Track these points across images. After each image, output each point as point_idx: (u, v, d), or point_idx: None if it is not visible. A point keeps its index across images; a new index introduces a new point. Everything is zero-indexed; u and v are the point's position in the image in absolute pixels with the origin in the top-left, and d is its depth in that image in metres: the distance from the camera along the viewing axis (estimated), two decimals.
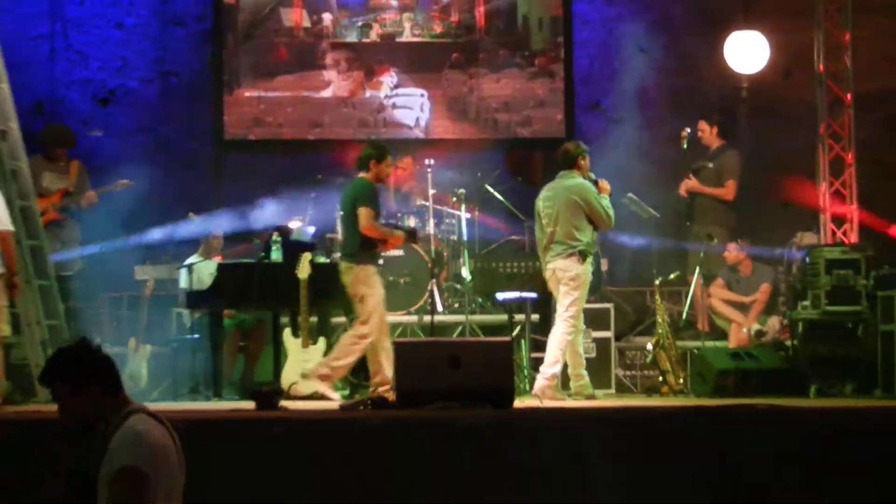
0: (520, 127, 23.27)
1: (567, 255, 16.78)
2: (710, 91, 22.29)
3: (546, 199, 17.07)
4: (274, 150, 22.60)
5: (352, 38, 23.45)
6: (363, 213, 16.45)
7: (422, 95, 23.29)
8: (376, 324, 16.51)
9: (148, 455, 8.17)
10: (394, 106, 23.27)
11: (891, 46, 22.71)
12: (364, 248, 16.63)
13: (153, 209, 20.55)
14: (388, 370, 16.39)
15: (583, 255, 16.81)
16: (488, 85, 23.50)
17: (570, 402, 16.78)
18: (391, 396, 15.61)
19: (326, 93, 23.15)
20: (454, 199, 19.93)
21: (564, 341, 16.84)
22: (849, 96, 21.31)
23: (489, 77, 23.52)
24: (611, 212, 16.95)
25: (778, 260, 19.81)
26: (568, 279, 16.78)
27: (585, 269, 16.86)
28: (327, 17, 23.19)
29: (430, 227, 19.53)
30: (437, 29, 23.55)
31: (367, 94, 23.33)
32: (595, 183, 17.01)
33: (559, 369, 16.86)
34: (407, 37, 23.55)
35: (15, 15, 21.01)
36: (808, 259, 19.02)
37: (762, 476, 13.23)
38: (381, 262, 17.02)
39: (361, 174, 16.84)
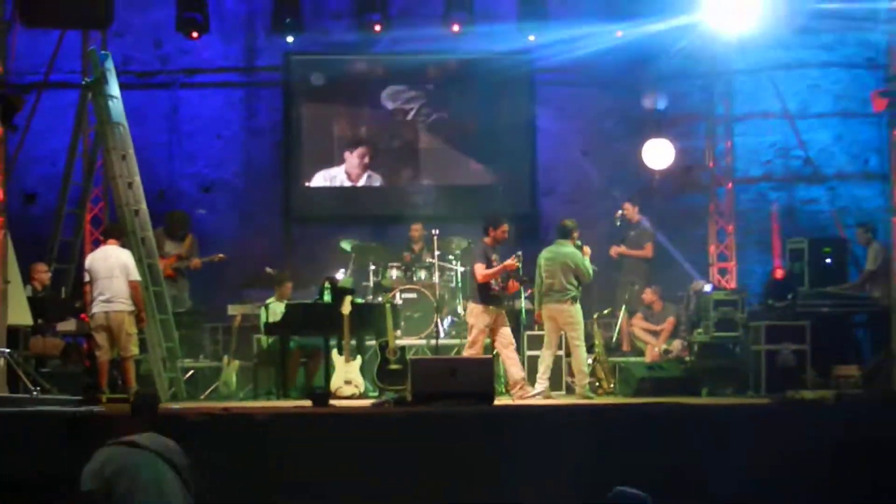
0: None
1: (564, 301, 17.28)
2: (632, 181, 22.28)
3: (547, 259, 17.58)
4: (323, 224, 22.67)
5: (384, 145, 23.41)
6: (476, 267, 17.11)
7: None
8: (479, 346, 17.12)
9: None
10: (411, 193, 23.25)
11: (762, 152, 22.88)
12: (479, 291, 17.11)
13: (242, 264, 20.77)
14: (515, 373, 17.12)
15: (574, 300, 17.35)
16: None
17: (536, 400, 17.13)
18: (523, 394, 16.79)
19: (360, 182, 23.14)
20: (452, 258, 20.15)
21: (585, 358, 17.49)
22: (729, 185, 21.65)
23: None
24: (590, 270, 17.49)
25: (679, 299, 20.07)
26: (568, 318, 17.31)
27: (578, 309, 17.43)
28: (363, 130, 23.40)
29: (436, 278, 19.70)
30: None
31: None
32: (580, 248, 17.52)
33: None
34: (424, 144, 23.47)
35: (144, 128, 21.07)
36: (701, 299, 19.42)
37: (671, 450, 13.61)
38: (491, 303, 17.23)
39: (484, 238, 17.37)
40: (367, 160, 23.04)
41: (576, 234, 17.66)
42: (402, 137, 23.45)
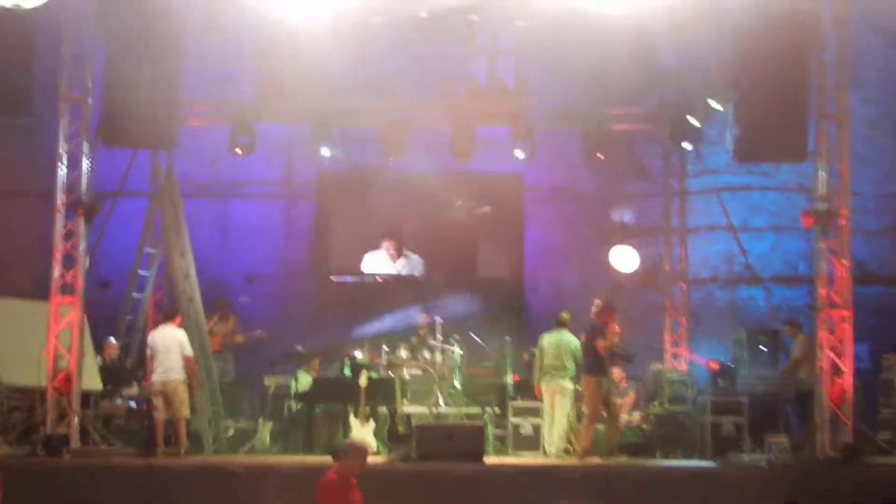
0: None
1: (564, 378, 17.59)
2: (603, 281, 22.26)
3: (550, 343, 17.94)
4: (346, 311, 22.68)
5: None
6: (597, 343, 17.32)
7: None
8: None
9: None
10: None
11: (711, 258, 23.01)
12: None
13: (278, 343, 20.80)
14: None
15: (572, 378, 17.62)
16: None
17: (516, 459, 17.16)
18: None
19: (399, 261, 22.64)
20: (452, 340, 20.17)
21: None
22: (683, 285, 21.73)
23: None
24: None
25: (639, 378, 20.06)
26: (565, 392, 17.51)
27: (572, 387, 17.71)
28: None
29: (438, 357, 19.62)
30: None
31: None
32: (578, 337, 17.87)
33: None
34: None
35: (199, 230, 21.20)
36: (657, 378, 19.46)
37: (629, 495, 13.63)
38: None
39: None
40: (392, 251, 22.64)
41: (569, 324, 18.05)
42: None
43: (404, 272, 22.69)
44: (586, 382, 17.43)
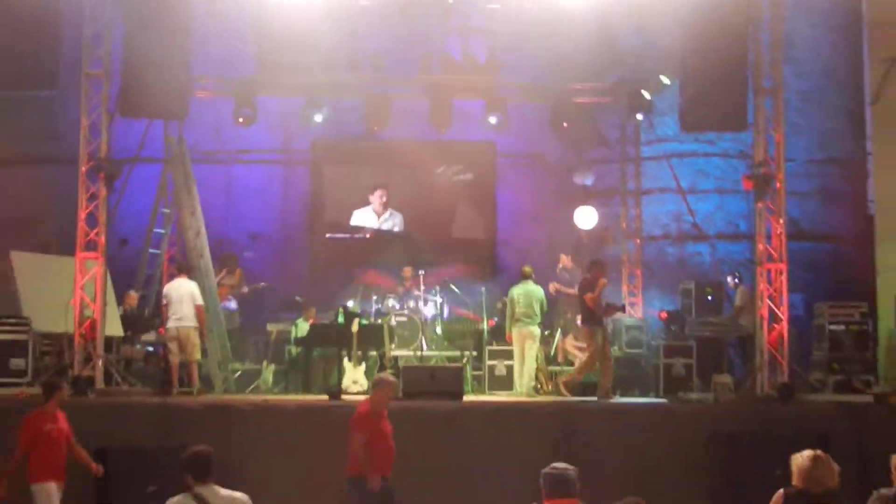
0: None
1: (533, 325, 17.67)
2: (568, 238, 22.26)
3: (519, 294, 17.90)
4: (339, 265, 22.74)
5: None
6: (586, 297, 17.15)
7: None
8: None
9: None
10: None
11: (662, 217, 23.08)
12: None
13: (278, 294, 20.82)
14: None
15: (539, 324, 17.72)
16: None
17: (491, 397, 17.27)
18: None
19: (384, 216, 23.01)
20: (433, 291, 20.23)
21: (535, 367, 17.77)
22: (638, 241, 21.82)
23: None
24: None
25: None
26: (534, 337, 17.59)
27: (538, 332, 17.81)
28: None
29: (421, 306, 19.80)
30: None
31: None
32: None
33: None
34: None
35: (207, 193, 21.10)
36: (616, 324, 19.52)
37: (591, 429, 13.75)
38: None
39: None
40: (384, 199, 23.00)
41: (533, 276, 17.97)
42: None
43: (385, 226, 22.82)
44: (584, 332, 17.42)
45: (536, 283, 18.17)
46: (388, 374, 13.09)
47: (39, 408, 12.00)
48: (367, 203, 23.11)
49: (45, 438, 11.79)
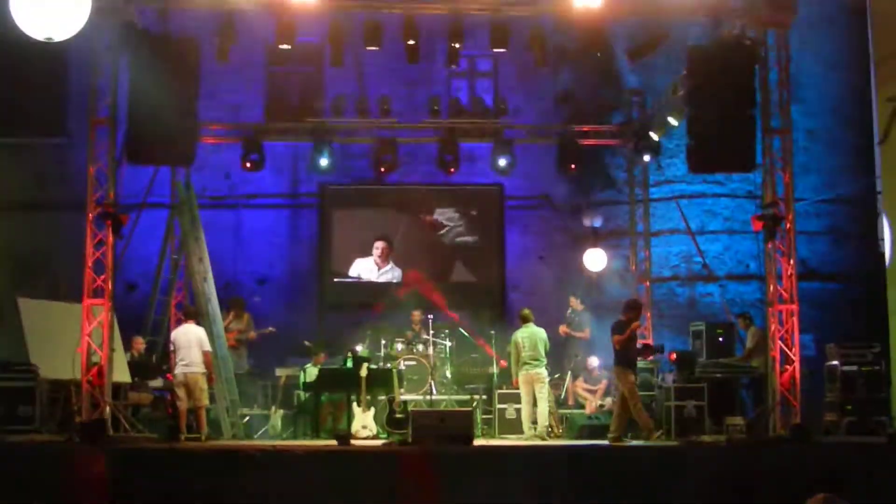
0: None
1: (540, 367, 17.57)
2: (576, 279, 22.21)
3: (524, 337, 17.83)
4: (347, 309, 22.68)
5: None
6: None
7: None
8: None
9: None
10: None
11: (671, 259, 23.00)
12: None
13: (287, 338, 20.69)
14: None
15: (546, 367, 17.66)
16: None
17: (502, 441, 17.11)
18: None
19: (385, 268, 23.20)
20: (442, 335, 20.14)
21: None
22: (647, 283, 21.68)
23: None
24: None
25: (610, 367, 19.89)
26: (543, 380, 17.49)
27: (546, 374, 17.67)
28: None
29: (430, 350, 19.73)
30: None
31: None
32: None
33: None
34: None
35: (215, 237, 21.07)
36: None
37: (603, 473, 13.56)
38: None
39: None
40: (384, 252, 23.17)
41: (533, 317, 18.00)
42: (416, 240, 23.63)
43: (383, 279, 22.84)
44: (616, 373, 17.15)
45: (537, 324, 18.07)
46: None
47: None
48: (369, 252, 23.24)
49: None
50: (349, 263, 23.24)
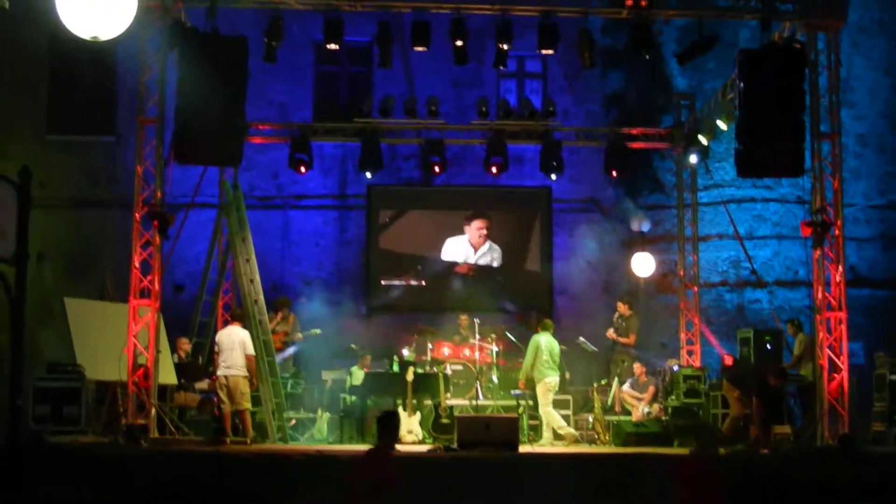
0: None
1: (555, 374, 17.37)
2: (624, 284, 22.21)
3: (546, 344, 17.79)
4: (394, 312, 22.62)
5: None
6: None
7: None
8: None
9: None
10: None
11: (720, 264, 22.77)
12: None
13: (333, 341, 20.62)
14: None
15: (560, 371, 17.34)
16: None
17: (549, 448, 16.94)
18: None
19: (482, 249, 23.14)
20: (490, 338, 20.01)
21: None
22: (695, 288, 21.44)
23: None
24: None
25: (658, 373, 19.83)
26: (554, 388, 17.32)
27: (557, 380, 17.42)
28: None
29: (477, 354, 19.58)
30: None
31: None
32: None
33: None
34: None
35: (263, 238, 21.14)
36: (674, 374, 19.21)
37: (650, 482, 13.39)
38: None
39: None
40: (484, 231, 23.25)
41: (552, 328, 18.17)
42: None
43: (483, 261, 22.92)
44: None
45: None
46: None
47: None
48: (433, 246, 23.25)
49: None
50: (396, 265, 23.16)
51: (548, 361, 17.66)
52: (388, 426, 10.93)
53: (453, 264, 23.16)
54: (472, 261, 23.13)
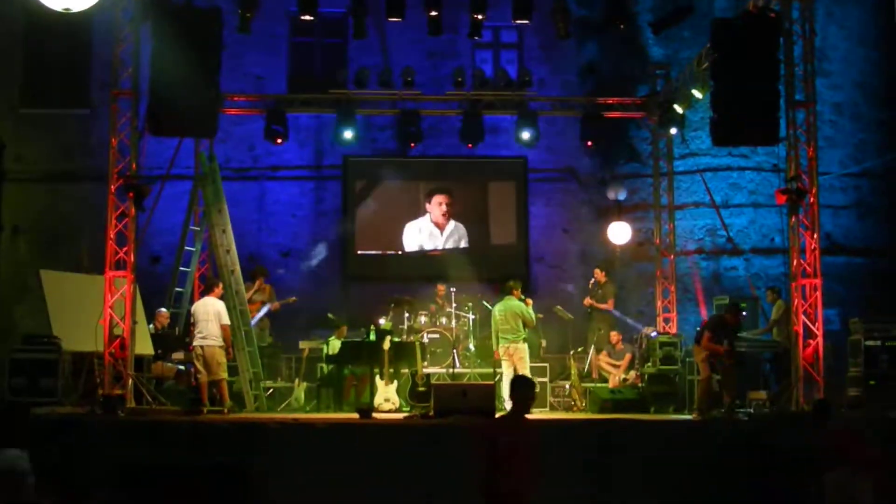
0: None
1: (517, 341, 17.11)
2: (600, 252, 22.27)
3: (500, 311, 17.36)
4: (371, 282, 22.61)
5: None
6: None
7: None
8: None
9: None
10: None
11: (696, 232, 22.84)
12: None
13: (310, 311, 20.66)
14: None
15: (524, 340, 17.24)
16: None
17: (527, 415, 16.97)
18: None
19: (447, 228, 23.14)
20: (466, 309, 20.07)
21: None
22: (671, 256, 21.51)
23: None
24: (533, 316, 17.41)
25: (634, 340, 19.93)
26: (521, 354, 17.13)
27: (526, 347, 17.28)
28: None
29: (453, 322, 19.66)
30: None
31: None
32: (524, 300, 17.39)
33: None
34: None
35: (239, 209, 21.14)
36: (650, 341, 19.29)
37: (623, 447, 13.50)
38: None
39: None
40: (445, 207, 23.18)
41: (517, 292, 17.58)
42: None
43: (450, 244, 22.86)
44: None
45: (522, 297, 17.73)
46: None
47: None
48: (410, 216, 23.24)
49: None
50: (372, 235, 23.21)
51: (507, 328, 17.27)
52: (522, 391, 9.90)
53: (421, 254, 23.18)
54: (439, 246, 23.11)
